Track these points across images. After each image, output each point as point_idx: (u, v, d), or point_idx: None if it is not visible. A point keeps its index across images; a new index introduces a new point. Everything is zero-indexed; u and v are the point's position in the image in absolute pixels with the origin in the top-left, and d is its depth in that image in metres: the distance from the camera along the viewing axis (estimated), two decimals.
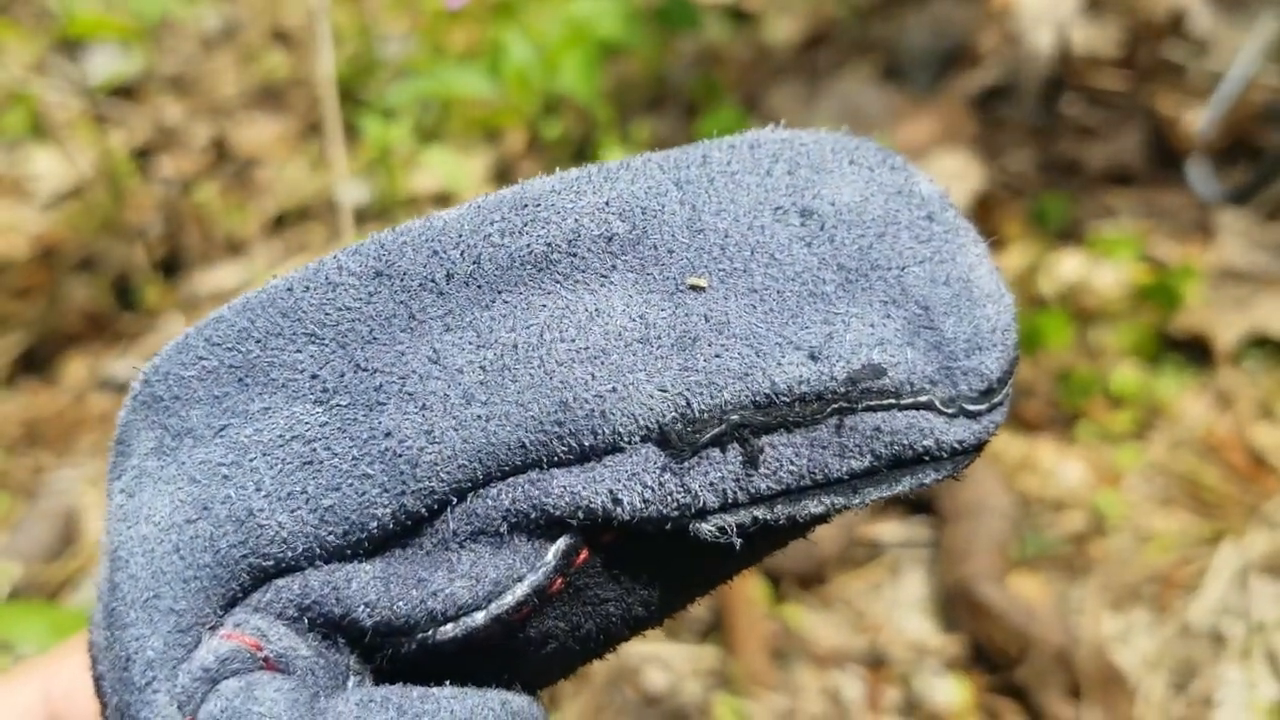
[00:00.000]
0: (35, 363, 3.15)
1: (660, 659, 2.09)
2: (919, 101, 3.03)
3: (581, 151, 3.19)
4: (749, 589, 2.08)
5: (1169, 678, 2.00)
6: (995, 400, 0.40)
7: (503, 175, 3.33)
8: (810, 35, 3.50)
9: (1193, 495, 2.24)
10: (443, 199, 3.32)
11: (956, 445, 0.39)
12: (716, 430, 0.39)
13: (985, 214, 2.73)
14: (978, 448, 0.41)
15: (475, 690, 0.38)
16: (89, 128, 3.38)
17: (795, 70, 3.32)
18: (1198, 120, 2.84)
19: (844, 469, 0.39)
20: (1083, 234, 2.72)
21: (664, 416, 0.39)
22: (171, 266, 3.31)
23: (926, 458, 0.40)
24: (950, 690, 1.93)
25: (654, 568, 0.43)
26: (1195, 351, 2.47)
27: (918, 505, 2.31)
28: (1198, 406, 2.39)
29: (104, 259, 3.32)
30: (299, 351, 0.39)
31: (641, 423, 0.40)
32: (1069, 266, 2.65)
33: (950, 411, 0.39)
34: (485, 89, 2.74)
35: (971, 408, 0.39)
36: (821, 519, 0.40)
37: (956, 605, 2.08)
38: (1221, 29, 2.95)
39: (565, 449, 0.40)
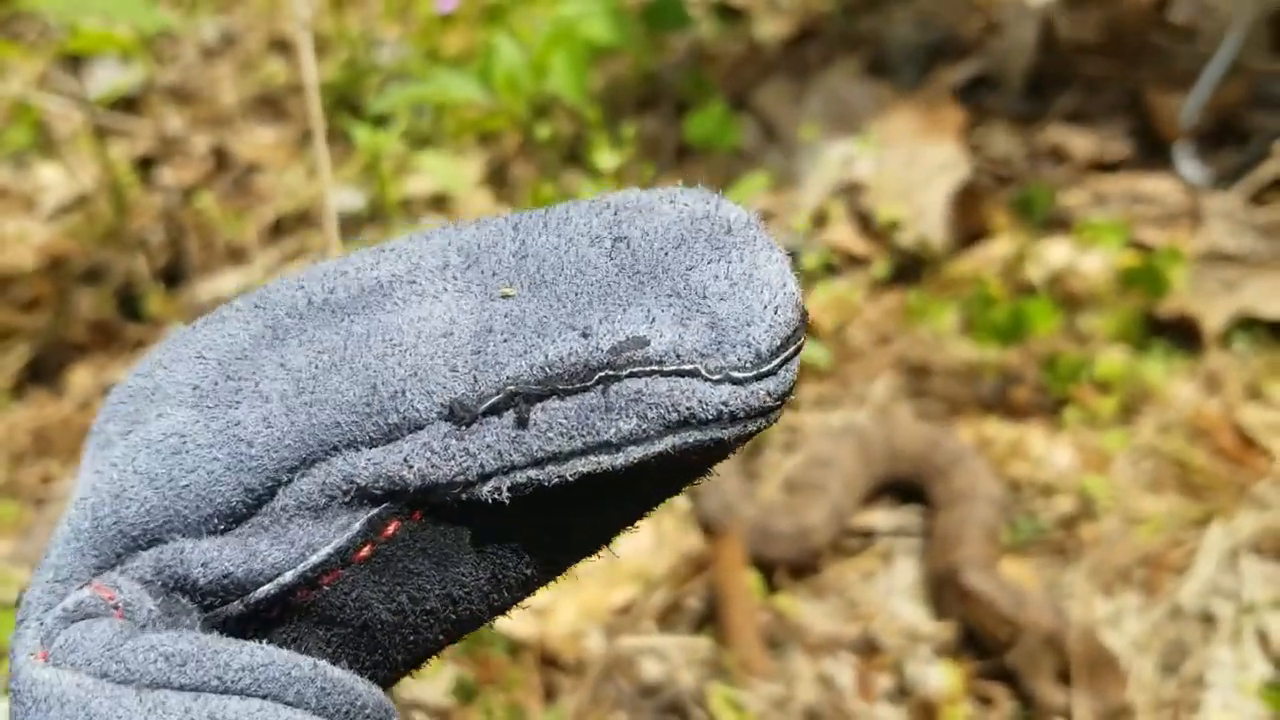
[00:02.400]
0: (42, 373, 3.16)
1: (655, 650, 2.08)
2: (906, 95, 3.02)
3: (574, 151, 3.19)
4: (742, 580, 2.07)
5: (1159, 659, 1.99)
6: (765, 369, 0.42)
7: (497, 176, 3.33)
8: (799, 31, 3.48)
9: (1181, 477, 2.22)
10: (439, 201, 3.31)
11: (721, 408, 0.42)
12: (495, 399, 0.43)
13: (972, 204, 2.71)
14: (753, 414, 0.43)
15: (289, 652, 0.43)
16: (91, 140, 3.39)
17: (784, 66, 3.30)
18: (1183, 106, 2.83)
19: (611, 430, 0.43)
20: (1070, 221, 2.71)
21: (455, 392, 0.44)
22: (174, 275, 3.32)
23: (692, 420, 0.43)
24: (941, 676, 1.92)
25: (465, 545, 0.48)
26: (1183, 335, 2.46)
27: (909, 494, 2.31)
28: (1186, 389, 2.37)
29: (108, 269, 3.33)
30: (189, 370, 0.48)
31: (436, 400, 0.44)
32: (1056, 254, 2.64)
33: (716, 378, 0.43)
34: (477, 93, 2.73)
35: (739, 375, 0.43)
36: (603, 481, 0.44)
37: (946, 592, 2.07)
38: (1205, 14, 2.93)
39: (374, 427, 0.45)
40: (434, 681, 1.96)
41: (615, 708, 2.00)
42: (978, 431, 2.36)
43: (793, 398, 0.47)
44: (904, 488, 2.31)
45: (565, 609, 2.11)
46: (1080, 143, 2.82)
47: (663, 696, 1.99)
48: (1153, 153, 2.83)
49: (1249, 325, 2.44)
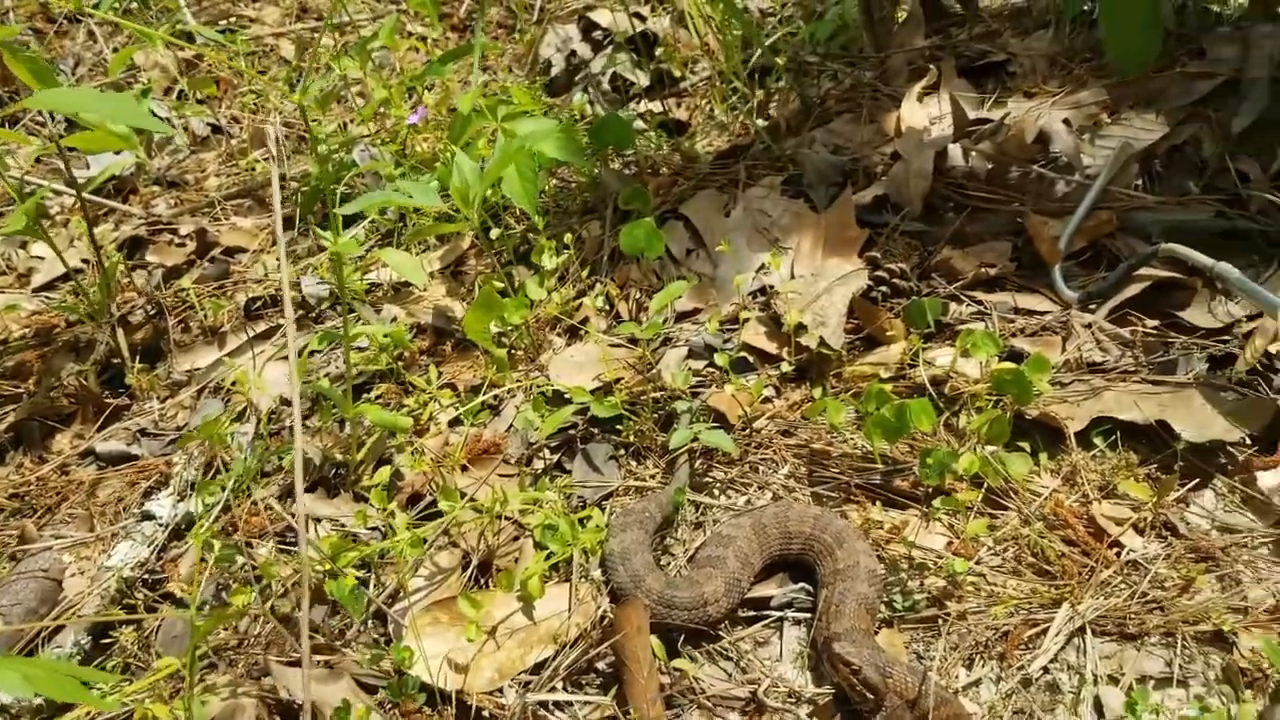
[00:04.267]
0: (25, 437, 3.30)
1: (564, 706, 2.24)
2: (817, 212, 3.27)
3: (523, 250, 3.41)
4: (645, 645, 2.24)
5: None
6: None
7: (453, 270, 3.54)
8: (730, 148, 3.74)
9: (1038, 563, 2.43)
10: (400, 288, 3.52)
11: None
12: None
13: (869, 312, 2.95)
14: None
15: None
16: (82, 221, 3.57)
17: (715, 179, 3.55)
18: (1060, 232, 3.08)
19: None
20: (955, 331, 2.94)
21: None
22: (153, 351, 3.48)
23: None
24: None
25: None
26: (1049, 435, 2.68)
27: (801, 571, 2.49)
28: (1048, 484, 2.59)
29: (92, 343, 3.49)
30: None
31: None
32: (940, 360, 2.87)
33: None
34: (435, 201, 2.94)
35: None
36: None
37: (824, 659, 2.25)
38: (1082, 150, 3.21)
39: None
40: None
41: None
42: (865, 515, 2.56)
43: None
44: (795, 565, 2.50)
45: (485, 666, 2.27)
46: (967, 262, 3.07)
47: None
48: (1031, 272, 3.08)
49: (1107, 429, 2.66)
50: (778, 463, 2.74)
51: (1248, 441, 2.59)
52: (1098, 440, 2.67)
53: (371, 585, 2.48)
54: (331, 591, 2.25)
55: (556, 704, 2.25)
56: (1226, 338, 2.79)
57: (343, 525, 2.61)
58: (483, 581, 2.47)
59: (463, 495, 2.53)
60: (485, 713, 2.23)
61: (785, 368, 2.90)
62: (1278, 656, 1.89)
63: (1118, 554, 2.41)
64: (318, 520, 2.67)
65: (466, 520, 2.51)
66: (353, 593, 2.19)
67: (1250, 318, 2.81)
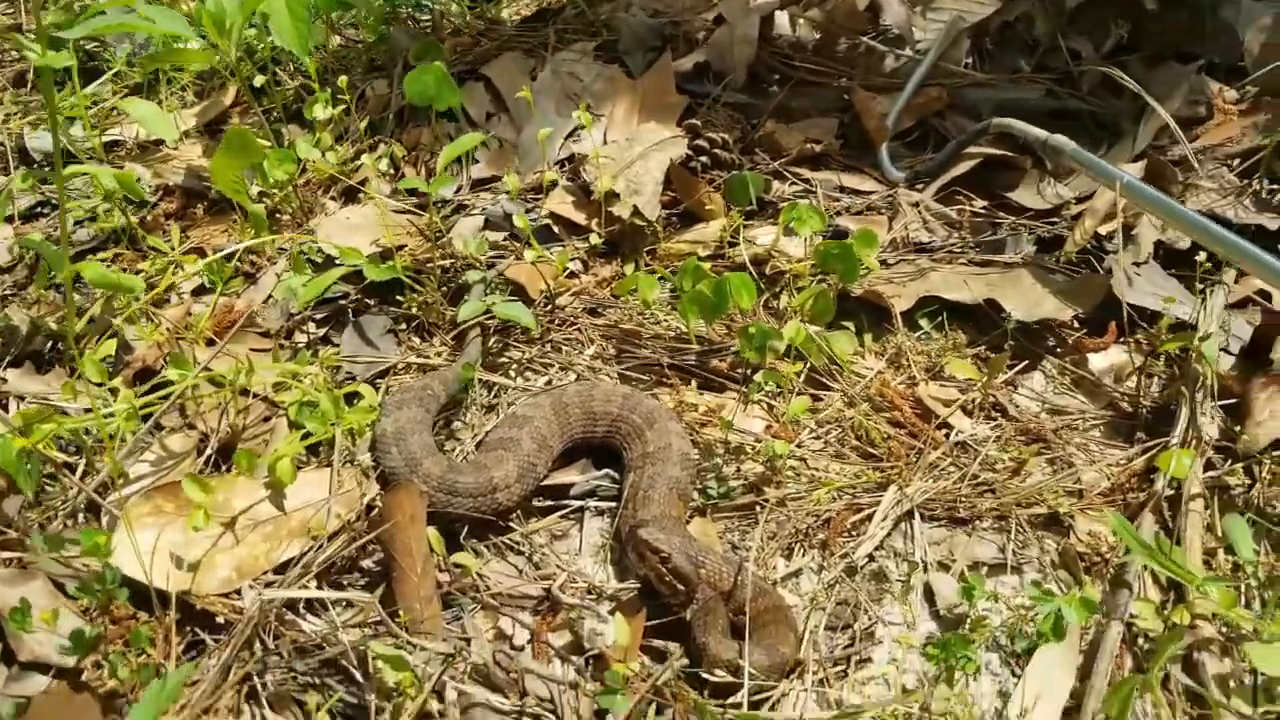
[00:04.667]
0: None
1: (318, 608, 1.86)
2: (634, 79, 2.93)
3: (297, 108, 2.93)
4: (420, 537, 1.88)
5: (834, 617, 1.92)
6: None
7: (215, 127, 3.02)
8: (539, 12, 3.36)
9: (863, 446, 2.19)
10: (147, 147, 2.97)
11: None
12: None
13: (687, 185, 2.64)
14: None
15: None
16: None
17: (522, 42, 3.16)
18: (888, 108, 2.86)
19: None
20: (778, 208, 2.68)
21: None
22: None
23: None
24: (617, 633, 1.78)
25: None
26: (874, 315, 2.46)
27: (606, 458, 2.18)
28: (872, 365, 2.36)
29: None
30: None
31: None
32: (762, 237, 2.60)
33: None
34: (184, 28, 2.43)
35: None
36: None
37: (630, 550, 1.94)
38: (913, 23, 2.99)
39: None
40: (51, 634, 1.67)
41: (268, 667, 1.76)
42: (678, 398, 2.27)
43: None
44: (600, 450, 2.18)
45: (221, 564, 1.86)
46: (791, 137, 2.81)
47: (320, 655, 1.76)
48: (858, 151, 2.85)
49: (934, 310, 2.46)
50: (583, 343, 2.41)
51: (1076, 325, 2.44)
52: (924, 322, 2.46)
53: (82, 472, 2.01)
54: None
55: (309, 605, 1.86)
56: (1055, 219, 2.63)
57: (48, 401, 2.11)
58: (226, 470, 2.04)
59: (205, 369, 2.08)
60: (218, 618, 1.81)
61: (595, 240, 2.56)
62: (1125, 532, 1.70)
63: (946, 436, 2.21)
64: (21, 398, 2.16)
65: (205, 396, 2.06)
66: (20, 458, 1.72)
67: (1079, 199, 2.66)
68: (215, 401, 2.09)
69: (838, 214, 2.67)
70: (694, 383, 2.26)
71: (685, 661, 1.84)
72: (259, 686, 1.75)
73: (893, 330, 2.42)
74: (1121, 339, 2.37)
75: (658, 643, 1.87)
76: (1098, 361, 2.37)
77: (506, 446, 2.05)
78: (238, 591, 1.84)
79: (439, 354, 2.32)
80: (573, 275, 2.54)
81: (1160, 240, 2.51)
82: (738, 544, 2.06)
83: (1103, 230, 2.55)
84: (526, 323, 2.27)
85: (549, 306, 2.44)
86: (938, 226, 2.65)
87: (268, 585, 1.84)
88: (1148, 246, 2.48)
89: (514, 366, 2.35)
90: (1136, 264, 2.45)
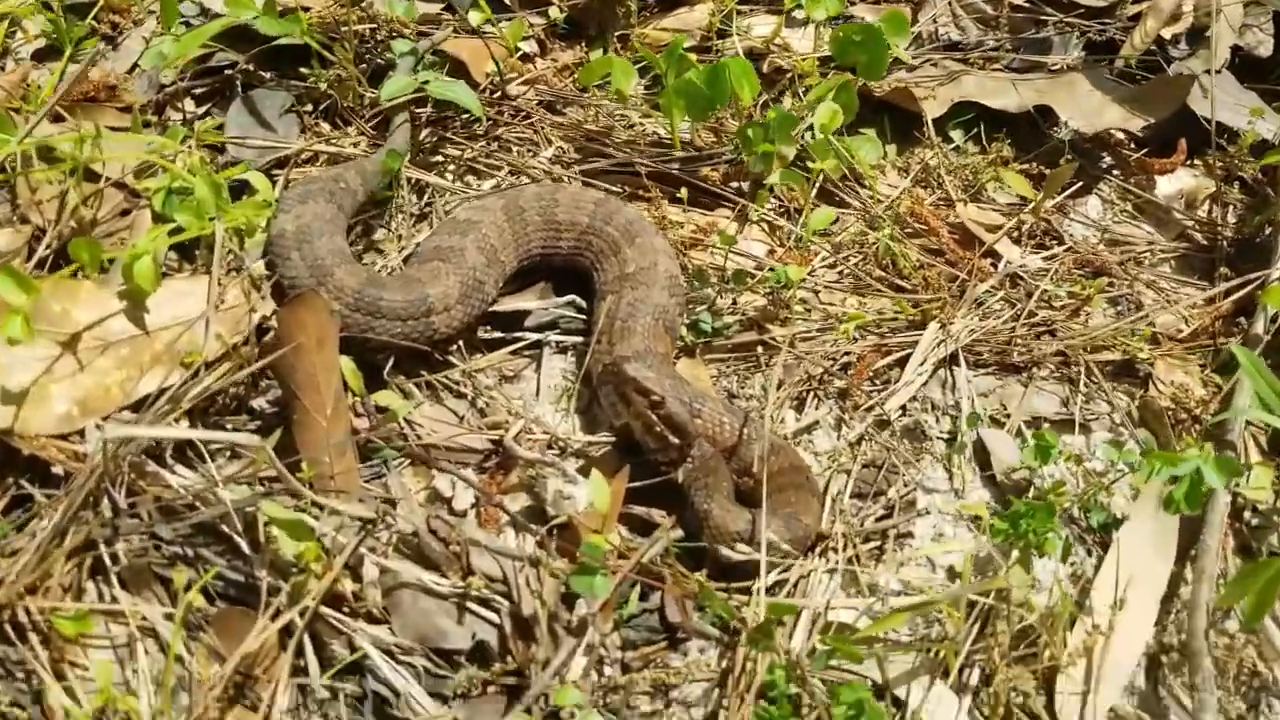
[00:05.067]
0: None
1: (190, 458, 1.39)
2: None
3: None
4: (330, 366, 1.41)
5: (862, 483, 1.52)
6: None
7: None
8: None
9: (890, 276, 1.77)
10: None
11: None
12: None
13: None
14: None
15: None
16: None
17: None
18: None
19: None
20: None
21: None
22: None
23: None
24: (588, 497, 1.35)
25: None
26: (899, 122, 2.01)
27: (571, 280, 1.72)
28: (897, 182, 1.92)
29: None
30: None
31: None
32: (758, 27, 2.12)
33: None
34: None
35: None
36: None
37: (607, 394, 1.51)
38: None
39: None
40: None
41: (119, 533, 1.29)
42: (659, 214, 1.80)
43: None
44: (564, 271, 1.72)
45: (58, 395, 1.37)
46: None
47: (192, 518, 1.30)
48: None
49: (968, 119, 2.02)
50: (539, 144, 1.92)
51: (1134, 144, 2.02)
52: (956, 134, 2.02)
53: None
54: None
55: (179, 453, 1.39)
56: (1108, 20, 2.18)
57: None
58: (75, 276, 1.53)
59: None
60: (54, 468, 1.33)
61: (555, 14, 2.05)
62: (1255, 371, 1.30)
63: (994, 266, 1.79)
64: None
65: (39, 173, 1.53)
66: None
67: None
68: (56, 188, 1.56)
69: (852, 3, 2.19)
70: (683, 192, 1.79)
71: (679, 533, 1.42)
72: (107, 558, 1.29)
73: (922, 141, 1.97)
74: (1191, 160, 1.97)
75: (640, 510, 1.45)
76: (1164, 185, 1.96)
77: (445, 257, 1.58)
78: (80, 433, 1.36)
79: (355, 145, 1.81)
80: (526, 59, 2.03)
81: (1237, 45, 2.08)
82: (735, 392, 1.63)
83: (1166, 33, 2.11)
84: (470, 105, 1.77)
85: (497, 95, 1.93)
86: (970, 23, 2.19)
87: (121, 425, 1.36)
88: (1223, 52, 2.06)
89: (451, 166, 1.85)
90: (1208, 72, 2.02)
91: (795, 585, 1.39)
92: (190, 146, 1.61)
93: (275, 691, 1.25)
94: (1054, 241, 1.85)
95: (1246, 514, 1.48)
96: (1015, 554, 1.32)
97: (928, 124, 1.96)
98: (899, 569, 1.42)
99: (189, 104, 1.82)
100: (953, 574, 1.43)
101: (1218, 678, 1.33)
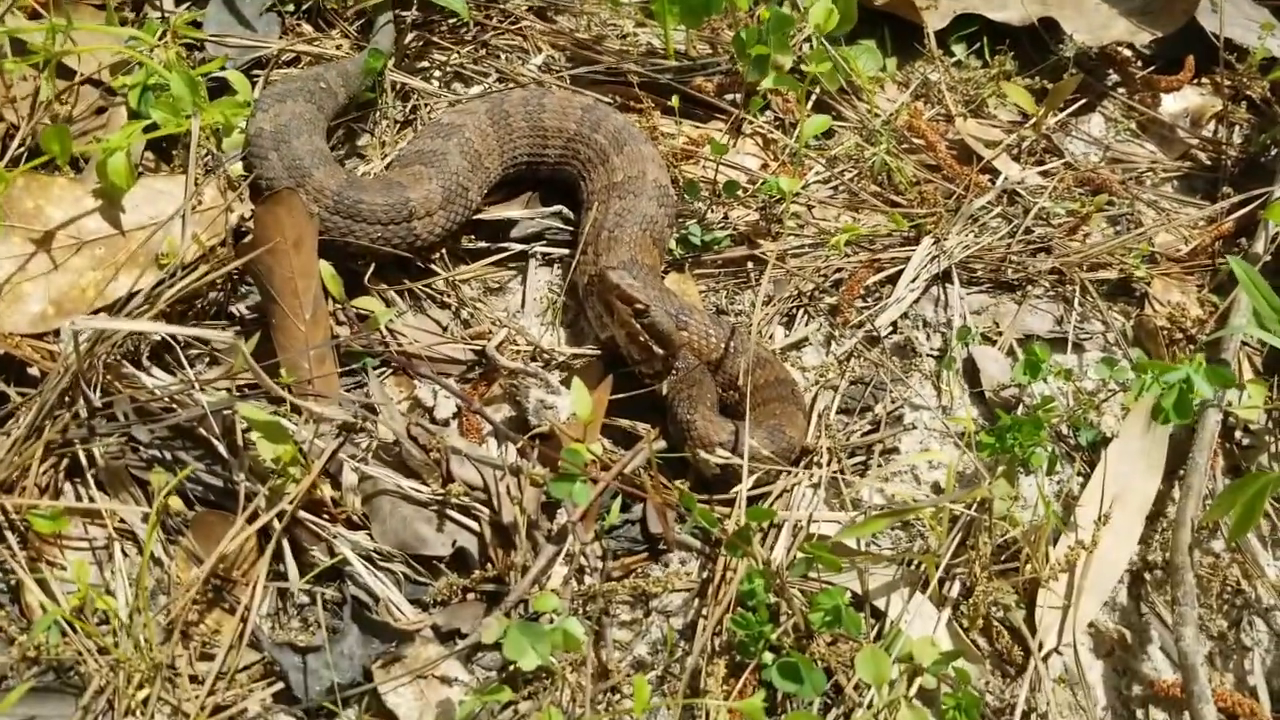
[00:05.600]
0: None
1: (166, 360, 1.37)
2: None
3: None
4: (309, 268, 1.38)
5: (849, 398, 1.51)
6: None
7: None
8: None
9: (885, 192, 1.74)
10: None
11: None
12: None
13: None
14: None
15: None
16: None
17: None
18: None
19: None
20: None
21: None
22: None
23: None
24: (572, 406, 1.33)
25: None
26: (898, 35, 1.95)
27: (558, 190, 1.68)
28: (896, 96, 1.88)
29: None
30: None
31: None
32: None
33: None
34: None
35: None
36: None
37: (594, 304, 1.48)
38: None
39: None
40: None
41: (95, 433, 1.28)
42: (649, 124, 1.76)
43: None
44: (551, 181, 1.68)
45: (32, 294, 1.35)
46: None
47: (169, 420, 1.29)
48: None
49: (970, 34, 1.96)
50: (529, 50, 1.87)
51: (1140, 61, 1.97)
52: (958, 48, 1.97)
53: None
54: None
55: (155, 355, 1.37)
56: None
57: None
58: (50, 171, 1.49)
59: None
60: (29, 368, 1.32)
61: None
62: (1252, 284, 1.27)
63: (991, 182, 1.75)
64: None
65: (11, 69, 1.49)
66: None
67: None
68: (30, 85, 1.52)
69: None
70: (675, 101, 1.74)
71: (662, 444, 1.41)
72: (83, 458, 1.28)
73: (923, 54, 1.93)
74: (1197, 78, 1.92)
75: (624, 421, 1.44)
76: (1170, 103, 1.92)
77: (428, 161, 1.54)
78: (56, 333, 1.34)
79: (338, 47, 1.76)
80: None
81: None
82: (724, 308, 1.61)
83: None
84: (457, 8, 1.72)
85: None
86: None
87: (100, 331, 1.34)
88: None
89: (437, 71, 1.81)
90: None
91: (778, 498, 1.38)
92: (167, 42, 1.57)
93: (253, 594, 1.25)
94: (1054, 158, 1.81)
95: (1238, 434, 1.47)
96: (1000, 467, 1.31)
97: (929, 36, 1.91)
98: (884, 484, 1.41)
99: (167, 1, 1.77)
100: (937, 489, 1.42)
101: (1200, 595, 1.33)
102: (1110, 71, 1.96)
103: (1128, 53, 1.96)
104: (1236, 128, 1.89)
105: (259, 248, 1.36)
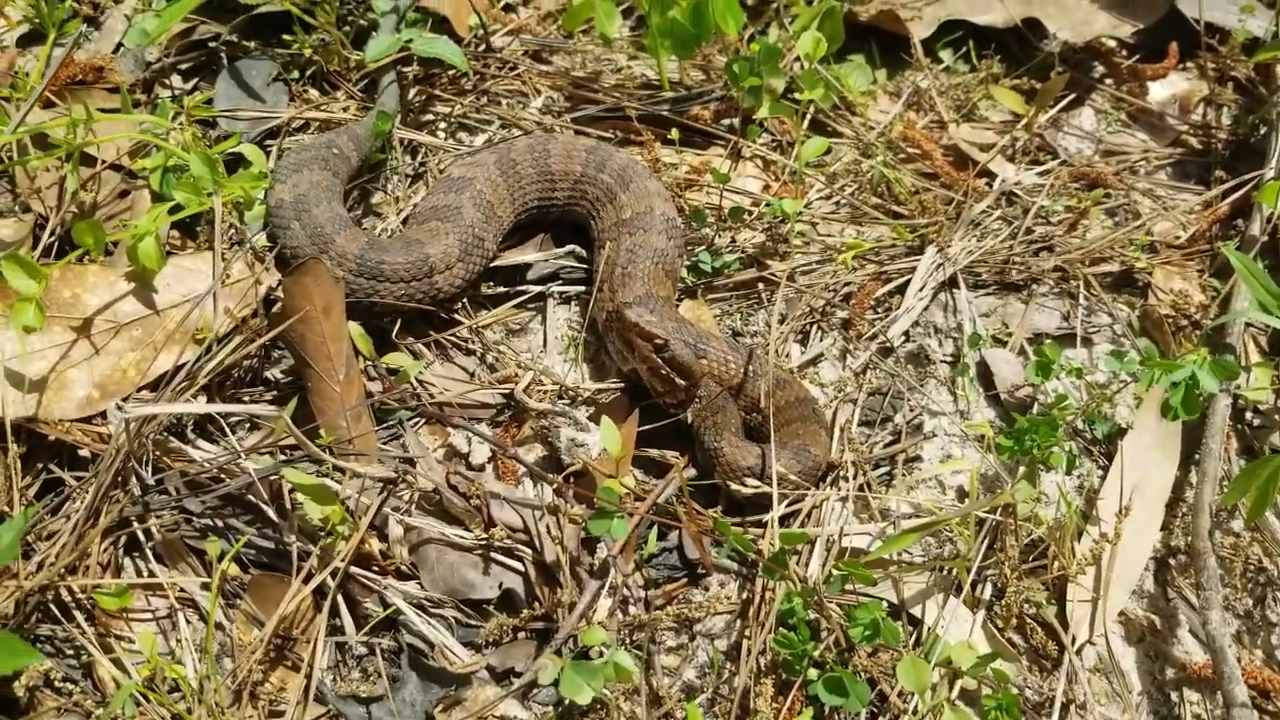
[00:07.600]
0: None
1: (211, 432, 1.44)
2: None
3: None
4: (338, 332, 1.44)
5: (869, 410, 1.56)
6: None
7: None
8: None
9: (886, 203, 1.79)
10: None
11: None
12: None
13: None
14: None
15: None
16: None
17: None
18: None
19: None
20: None
21: None
22: None
23: None
24: (604, 440, 1.39)
25: None
26: (886, 46, 2.01)
27: (569, 231, 1.74)
28: (889, 108, 1.93)
29: None
30: None
31: None
32: None
33: None
34: None
35: None
36: None
37: (613, 340, 1.54)
38: None
39: None
40: None
41: (150, 509, 1.34)
42: (651, 156, 1.82)
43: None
44: (561, 223, 1.74)
45: (77, 381, 1.41)
46: None
47: (219, 490, 1.35)
48: None
49: (956, 39, 2.02)
50: (527, 94, 1.93)
51: (1125, 51, 2.02)
52: (945, 54, 2.03)
53: None
54: None
55: (199, 428, 1.44)
56: None
57: None
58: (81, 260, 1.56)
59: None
60: (81, 451, 1.38)
61: None
62: (1247, 270, 1.32)
63: (989, 186, 1.81)
64: None
65: (36, 161, 1.56)
66: None
67: None
68: (54, 175, 1.59)
69: None
70: (675, 133, 1.80)
71: (692, 473, 1.47)
72: (140, 534, 1.34)
73: (911, 63, 1.98)
74: (1183, 64, 1.97)
75: (653, 451, 1.50)
76: (1157, 91, 1.97)
77: (443, 216, 1.60)
78: (102, 415, 1.41)
79: (345, 109, 1.83)
80: (509, 9, 2.04)
81: None
82: (739, 330, 1.67)
83: None
84: (455, 60, 1.78)
85: (482, 48, 1.94)
86: None
87: (143, 404, 1.40)
88: None
89: (442, 124, 1.87)
90: None
91: (808, 515, 1.43)
92: (182, 123, 1.63)
93: (314, 651, 1.31)
94: (1048, 156, 1.86)
95: (1248, 415, 1.52)
96: (1021, 469, 1.36)
97: (916, 45, 1.97)
98: (909, 493, 1.47)
99: (176, 79, 1.84)
100: (962, 494, 1.47)
101: (1224, 576, 1.38)
102: (1096, 65, 2.01)
103: (1112, 44, 2.01)
104: (1225, 110, 1.94)
105: (290, 317, 1.42)
